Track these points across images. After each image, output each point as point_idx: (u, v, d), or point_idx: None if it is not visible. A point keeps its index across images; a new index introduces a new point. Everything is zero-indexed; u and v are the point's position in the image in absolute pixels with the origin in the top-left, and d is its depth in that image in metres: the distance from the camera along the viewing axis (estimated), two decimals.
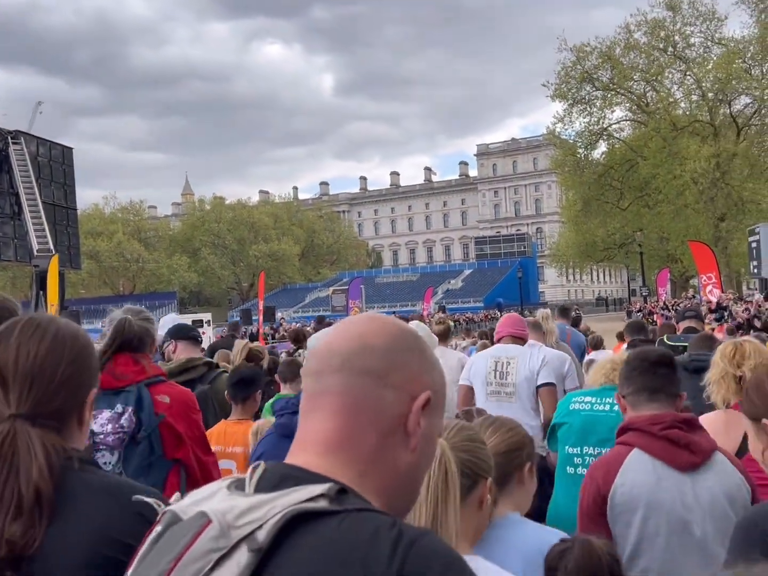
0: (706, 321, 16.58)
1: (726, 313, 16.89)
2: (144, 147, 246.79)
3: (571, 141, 45.63)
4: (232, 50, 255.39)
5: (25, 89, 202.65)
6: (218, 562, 0.88)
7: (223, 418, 4.44)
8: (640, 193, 44.45)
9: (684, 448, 2.48)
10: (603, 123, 44.93)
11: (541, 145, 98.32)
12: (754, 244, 32.11)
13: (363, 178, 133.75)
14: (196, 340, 4.95)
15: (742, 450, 2.78)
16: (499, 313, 43.24)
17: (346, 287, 73.54)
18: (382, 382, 1.05)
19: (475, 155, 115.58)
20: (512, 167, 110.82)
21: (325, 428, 1.04)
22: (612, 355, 4.95)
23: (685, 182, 39.35)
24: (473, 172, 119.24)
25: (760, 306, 14.55)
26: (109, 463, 2.93)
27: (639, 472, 2.50)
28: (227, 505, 0.93)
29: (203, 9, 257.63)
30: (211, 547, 0.89)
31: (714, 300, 19.80)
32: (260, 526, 0.90)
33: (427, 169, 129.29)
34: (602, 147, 47.68)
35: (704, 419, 3.02)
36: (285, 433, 3.31)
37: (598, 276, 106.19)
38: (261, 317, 27.20)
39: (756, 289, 25.70)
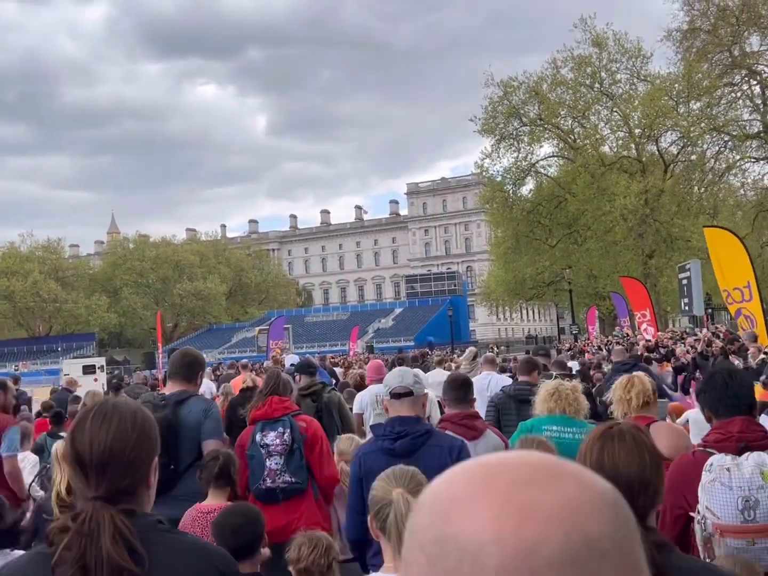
0: (644, 358, 15.39)
1: (665, 352, 15.74)
2: (72, 186, 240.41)
3: (500, 177, 45.00)
4: (164, 90, 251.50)
5: None
6: None
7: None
8: (568, 229, 43.92)
9: None
10: (531, 158, 44.43)
11: (470, 184, 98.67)
12: (684, 281, 31.46)
13: (293, 216, 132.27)
14: (312, 373, 7.18)
15: None
16: (429, 351, 41.85)
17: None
18: None
19: (405, 194, 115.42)
20: (442, 206, 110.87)
21: None
22: (551, 383, 5.09)
23: (614, 218, 38.87)
24: (404, 211, 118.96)
25: (711, 340, 13.42)
26: (279, 463, 4.86)
27: None
28: None
29: (135, 49, 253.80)
30: None
31: (649, 338, 18.78)
32: None
33: (358, 208, 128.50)
34: (530, 184, 47.25)
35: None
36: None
37: (528, 314, 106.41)
38: (160, 362, 25.09)
39: (695, 327, 24.85)
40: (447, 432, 4.22)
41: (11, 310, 78.44)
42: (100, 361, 28.98)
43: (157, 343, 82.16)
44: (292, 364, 13.69)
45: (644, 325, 22.47)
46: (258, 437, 4.87)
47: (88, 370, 25.02)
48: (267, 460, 4.79)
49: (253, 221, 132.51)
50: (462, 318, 73.70)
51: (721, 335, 15.48)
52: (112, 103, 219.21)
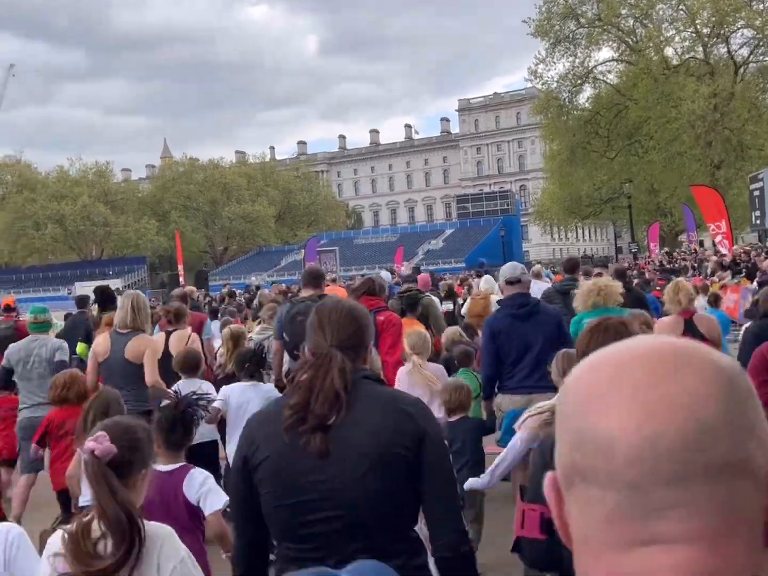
0: (717, 276, 13.48)
1: (743, 266, 13.76)
2: (126, 111, 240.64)
3: (555, 85, 42.07)
4: (214, 12, 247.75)
5: (3, 54, 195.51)
6: None
7: None
8: (629, 140, 41.05)
9: None
10: (588, 64, 41.37)
11: (524, 99, 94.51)
12: (756, 192, 29.03)
13: (342, 137, 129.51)
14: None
15: None
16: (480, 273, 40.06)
17: (327, 249, 70.21)
18: (742, 471, 0.71)
19: (456, 111, 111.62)
20: (495, 123, 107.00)
21: (681, 571, 0.70)
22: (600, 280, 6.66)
23: (680, 125, 36.01)
24: (455, 129, 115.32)
25: None
26: None
27: None
28: None
29: None
30: None
31: (725, 252, 16.72)
32: None
33: (408, 127, 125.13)
34: (587, 91, 44.20)
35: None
36: None
37: (583, 233, 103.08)
38: (184, 281, 23.79)
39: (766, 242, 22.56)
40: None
41: (62, 234, 78.61)
42: (116, 283, 27.71)
43: (211, 266, 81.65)
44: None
45: (719, 238, 20.24)
46: None
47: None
48: None
49: (301, 143, 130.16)
50: (515, 238, 71.09)
51: None
52: (163, 27, 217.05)
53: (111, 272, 75.47)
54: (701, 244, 35.33)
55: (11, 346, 7.48)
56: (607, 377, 0.74)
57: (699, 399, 0.71)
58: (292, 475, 2.24)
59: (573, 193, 45.27)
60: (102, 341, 6.44)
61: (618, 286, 6.21)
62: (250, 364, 5.83)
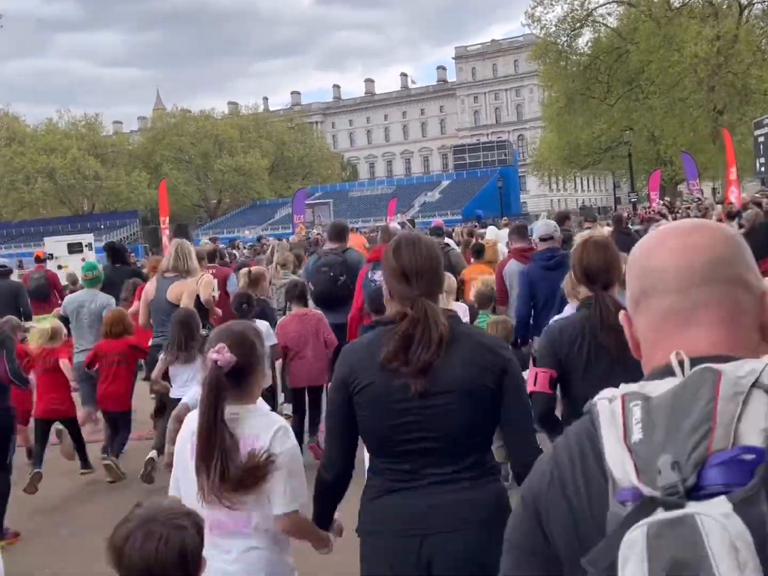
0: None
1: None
2: (121, 63, 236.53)
3: (553, 29, 40.58)
4: None
5: None
6: (744, 402, 0.99)
7: None
8: (629, 85, 39.74)
9: None
10: (588, 5, 39.83)
11: (522, 46, 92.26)
12: (761, 138, 27.86)
13: (336, 87, 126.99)
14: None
15: None
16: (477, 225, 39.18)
17: (320, 202, 69.06)
18: (743, 286, 1.16)
19: (453, 59, 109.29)
20: (492, 71, 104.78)
21: (710, 340, 1.13)
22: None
23: (682, 69, 34.75)
24: (452, 78, 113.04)
25: None
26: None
27: None
28: (717, 368, 1.04)
29: None
30: (735, 391, 1.00)
31: (733, 200, 15.84)
32: (757, 378, 1.01)
33: (404, 75, 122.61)
34: (587, 36, 42.69)
35: None
36: None
37: (582, 183, 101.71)
38: (164, 238, 22.78)
39: None
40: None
41: (53, 188, 77.42)
42: (87, 238, 26.67)
43: (205, 219, 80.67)
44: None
45: (732, 187, 19.33)
46: (370, 274, 6.44)
47: (74, 248, 22.93)
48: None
49: (295, 93, 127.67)
50: (512, 189, 69.99)
51: None
52: None
53: (102, 226, 74.38)
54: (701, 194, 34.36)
55: (67, 298, 8.70)
56: (657, 237, 1.22)
57: (714, 243, 1.16)
58: (393, 402, 2.54)
59: (571, 142, 44.17)
60: (150, 284, 7.41)
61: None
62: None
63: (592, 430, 1.08)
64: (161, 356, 6.51)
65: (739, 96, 36.04)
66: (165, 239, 21.98)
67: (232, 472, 2.61)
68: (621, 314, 1.25)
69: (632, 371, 3.35)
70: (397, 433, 2.54)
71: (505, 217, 30.52)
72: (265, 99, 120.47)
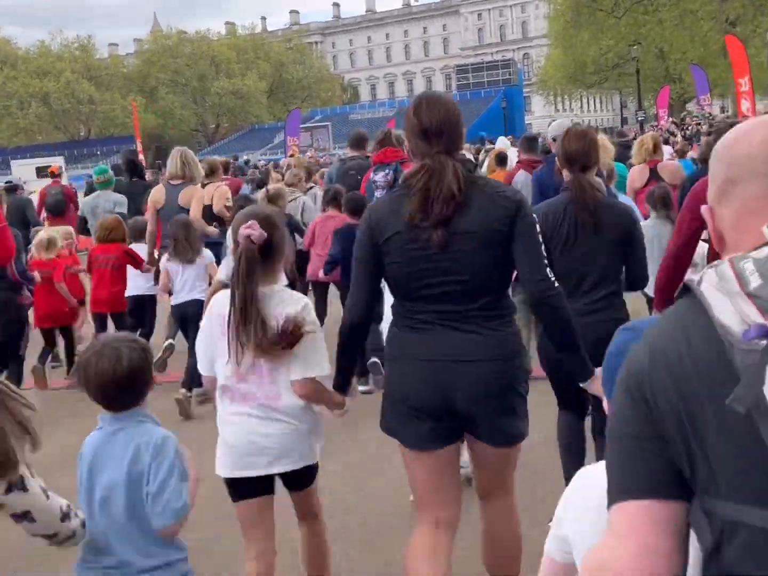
0: None
1: None
2: None
3: None
4: None
5: None
6: None
7: None
8: None
9: None
10: None
11: None
12: None
13: (336, 5, 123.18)
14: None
15: None
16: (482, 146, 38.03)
17: (319, 125, 67.44)
18: None
19: None
20: None
21: None
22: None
23: None
24: None
25: None
26: (382, 194, 6.28)
27: None
28: None
29: None
30: None
31: (748, 115, 14.88)
32: None
33: None
34: None
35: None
36: None
37: (588, 104, 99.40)
38: (145, 160, 21.92)
39: None
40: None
41: (48, 113, 75.98)
42: (56, 161, 25.63)
43: (203, 144, 79.23)
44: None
45: (744, 99, 18.31)
46: (372, 175, 6.85)
47: (43, 173, 22.03)
48: (375, 191, 6.57)
49: (294, 11, 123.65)
50: (517, 110, 68.05)
51: None
52: None
53: (99, 152, 73.06)
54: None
55: (84, 200, 9.48)
56: (742, 130, 1.24)
57: None
58: (417, 249, 2.77)
59: (578, 60, 42.73)
60: (157, 192, 7.59)
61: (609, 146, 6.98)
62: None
63: (693, 304, 1.12)
64: (162, 260, 6.84)
65: (753, 6, 34.33)
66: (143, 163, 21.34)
67: (268, 336, 2.84)
68: (703, 208, 1.26)
69: (609, 247, 3.85)
70: (419, 278, 2.80)
71: (510, 136, 29.53)
72: (263, 19, 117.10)
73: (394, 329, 2.96)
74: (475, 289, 2.78)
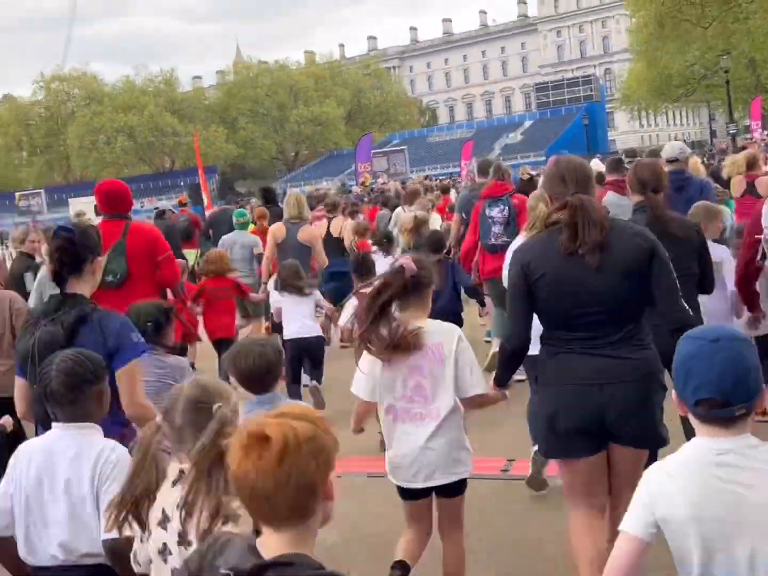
0: None
1: None
2: (201, 18, 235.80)
3: None
4: None
5: None
6: None
7: None
8: (726, 5, 36.17)
9: None
10: None
11: None
12: None
13: (413, 29, 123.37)
14: None
15: None
16: None
17: (395, 149, 67.08)
18: None
19: None
20: (576, 2, 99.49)
21: None
22: None
23: None
24: (533, 12, 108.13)
25: None
26: (500, 229, 7.82)
27: None
28: None
29: None
30: None
31: None
32: None
33: (482, 13, 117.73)
34: None
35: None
36: None
37: (674, 118, 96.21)
38: (208, 195, 21.54)
39: None
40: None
41: (133, 147, 77.99)
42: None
43: (283, 172, 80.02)
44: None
45: None
46: (487, 210, 7.90)
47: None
48: (492, 226, 7.72)
49: (371, 38, 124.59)
50: (599, 127, 66.32)
51: None
52: None
53: (182, 183, 74.48)
54: None
55: (223, 237, 10.11)
56: None
57: None
58: (569, 283, 3.17)
59: (662, 72, 41.13)
60: (278, 228, 8.63)
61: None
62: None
63: None
64: (270, 291, 8.07)
65: None
66: (204, 194, 21.24)
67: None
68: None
69: (686, 249, 4.57)
70: (571, 309, 3.19)
71: (599, 154, 28.17)
72: (341, 46, 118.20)
73: (544, 356, 3.40)
74: (621, 318, 3.21)
